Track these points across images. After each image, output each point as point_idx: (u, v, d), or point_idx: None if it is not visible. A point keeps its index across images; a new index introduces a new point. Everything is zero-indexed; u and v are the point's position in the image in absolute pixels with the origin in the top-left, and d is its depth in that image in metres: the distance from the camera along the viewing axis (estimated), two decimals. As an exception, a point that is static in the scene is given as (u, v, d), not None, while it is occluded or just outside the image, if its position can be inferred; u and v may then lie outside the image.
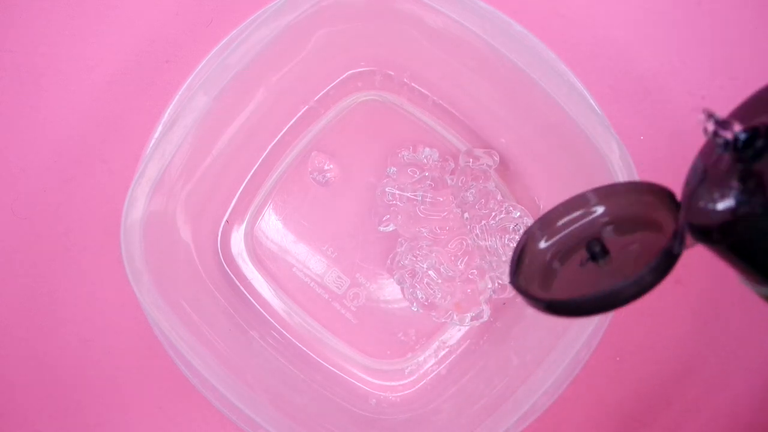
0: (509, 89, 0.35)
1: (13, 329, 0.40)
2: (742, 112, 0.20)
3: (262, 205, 0.40)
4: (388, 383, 0.40)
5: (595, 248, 0.23)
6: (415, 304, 0.37)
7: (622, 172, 0.32)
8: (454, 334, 0.40)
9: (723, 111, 0.40)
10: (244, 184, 0.40)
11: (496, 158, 0.38)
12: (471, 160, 0.38)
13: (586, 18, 0.39)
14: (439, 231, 0.37)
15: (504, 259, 0.37)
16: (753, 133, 0.18)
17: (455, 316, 0.37)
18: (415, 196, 0.37)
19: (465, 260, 0.36)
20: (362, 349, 0.40)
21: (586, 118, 0.32)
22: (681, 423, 0.40)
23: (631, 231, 0.24)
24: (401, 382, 0.40)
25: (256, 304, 0.40)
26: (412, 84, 0.39)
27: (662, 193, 0.23)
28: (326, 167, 0.40)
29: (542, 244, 0.25)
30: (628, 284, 0.21)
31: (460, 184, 0.37)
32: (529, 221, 0.37)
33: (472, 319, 0.37)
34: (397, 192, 0.38)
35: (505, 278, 0.37)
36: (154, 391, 0.40)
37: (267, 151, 0.40)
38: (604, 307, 0.21)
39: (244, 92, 0.35)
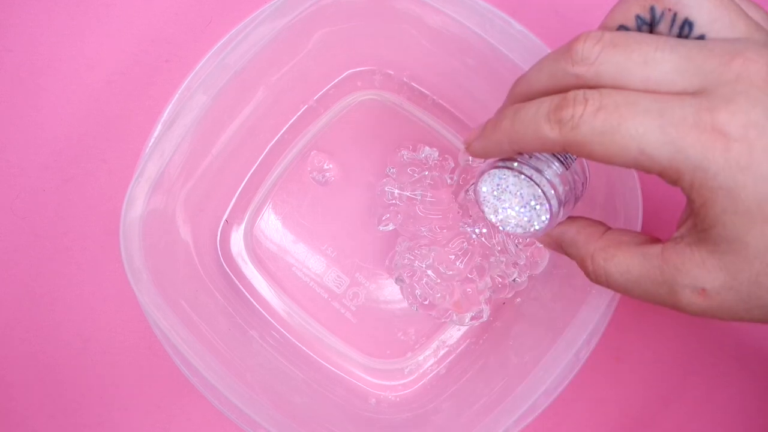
0: (509, 88, 0.35)
1: (12, 329, 0.40)
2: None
3: (261, 205, 0.40)
4: (387, 383, 0.40)
5: None
6: (414, 303, 0.37)
7: (622, 171, 0.32)
8: (454, 333, 0.40)
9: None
10: (243, 184, 0.40)
11: (496, 157, 0.38)
12: (470, 158, 0.38)
13: (585, 17, 0.39)
14: (438, 230, 0.37)
15: (513, 251, 0.37)
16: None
17: (455, 316, 0.37)
18: (414, 195, 0.37)
19: (464, 260, 0.36)
20: (362, 349, 0.40)
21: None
22: (681, 423, 0.40)
23: None
24: (401, 382, 0.40)
25: (255, 303, 0.40)
26: (412, 83, 0.39)
27: None
28: (326, 167, 0.40)
29: None
30: None
31: (460, 182, 0.37)
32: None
33: (471, 319, 0.37)
34: (397, 191, 0.38)
35: (508, 276, 0.37)
36: (153, 390, 0.40)
37: (266, 150, 0.40)
38: None
39: (244, 92, 0.35)
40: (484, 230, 0.37)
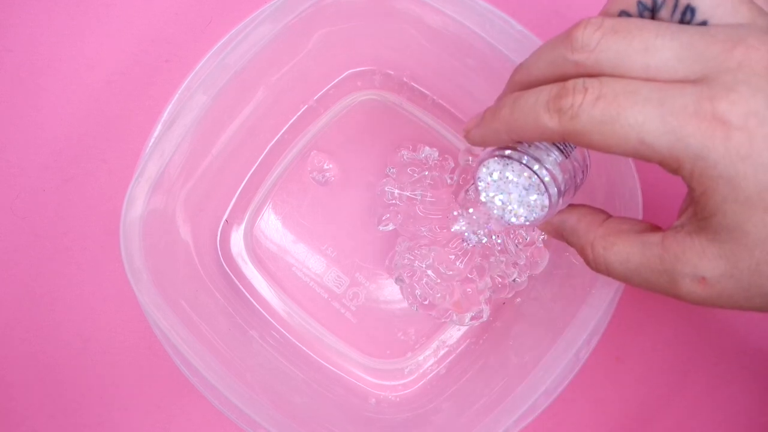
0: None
1: (12, 329, 0.40)
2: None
3: (261, 205, 0.40)
4: (387, 383, 0.40)
5: None
6: (414, 303, 0.37)
7: (621, 170, 0.32)
8: (454, 333, 0.40)
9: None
10: (243, 184, 0.40)
11: (496, 157, 0.38)
12: (470, 158, 0.38)
13: (585, 17, 0.39)
14: (438, 230, 0.37)
15: (513, 251, 0.37)
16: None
17: (455, 316, 0.37)
18: (414, 195, 0.37)
19: (464, 260, 0.36)
20: (362, 349, 0.40)
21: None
22: (681, 423, 0.40)
23: None
24: (401, 382, 0.40)
25: (255, 303, 0.40)
26: (412, 83, 0.39)
27: None
28: (326, 167, 0.40)
29: None
30: None
31: (460, 182, 0.37)
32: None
33: (471, 319, 0.37)
34: (397, 191, 0.38)
35: (508, 276, 0.37)
36: (153, 390, 0.40)
37: (266, 150, 0.40)
38: None
39: (244, 92, 0.35)
40: (484, 239, 0.37)
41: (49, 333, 0.40)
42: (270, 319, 0.40)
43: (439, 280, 0.36)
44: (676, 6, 0.24)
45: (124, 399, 0.40)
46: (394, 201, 0.38)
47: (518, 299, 0.39)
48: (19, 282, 0.40)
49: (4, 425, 0.40)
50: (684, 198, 0.24)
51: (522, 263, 0.37)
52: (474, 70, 0.36)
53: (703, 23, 0.23)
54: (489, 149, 0.28)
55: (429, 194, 0.37)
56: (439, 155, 0.38)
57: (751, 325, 0.40)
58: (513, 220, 0.29)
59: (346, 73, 0.39)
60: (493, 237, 0.37)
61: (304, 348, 0.40)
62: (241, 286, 0.40)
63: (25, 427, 0.40)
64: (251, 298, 0.40)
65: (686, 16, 0.24)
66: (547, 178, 0.27)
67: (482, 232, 0.36)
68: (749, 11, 0.23)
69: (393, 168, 0.38)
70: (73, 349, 0.40)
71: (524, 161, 0.27)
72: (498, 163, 0.28)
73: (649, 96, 0.22)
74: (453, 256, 0.37)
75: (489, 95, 0.36)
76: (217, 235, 0.39)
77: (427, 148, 0.38)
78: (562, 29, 0.39)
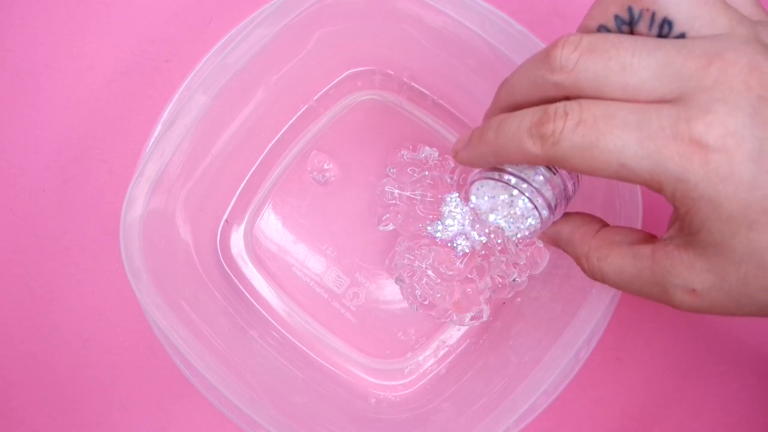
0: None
1: (12, 329, 0.40)
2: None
3: (261, 205, 0.40)
4: (387, 383, 0.40)
5: None
6: (414, 303, 0.37)
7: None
8: (454, 333, 0.40)
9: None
10: (243, 184, 0.40)
11: (496, 157, 0.38)
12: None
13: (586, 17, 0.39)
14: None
15: (513, 251, 0.37)
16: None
17: (455, 316, 0.37)
18: (414, 195, 0.37)
19: (464, 260, 0.36)
20: (362, 349, 0.40)
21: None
22: (681, 423, 0.40)
23: None
24: (401, 382, 0.40)
25: (255, 303, 0.40)
26: (412, 83, 0.39)
27: None
28: (326, 167, 0.40)
29: None
30: None
31: (459, 182, 0.37)
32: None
33: (471, 319, 0.37)
34: (397, 191, 0.38)
35: (509, 276, 0.37)
36: (153, 390, 0.40)
37: (266, 150, 0.40)
38: None
39: (244, 91, 0.35)
40: (483, 239, 0.37)
41: (48, 333, 0.40)
42: (270, 319, 0.40)
43: (439, 280, 0.36)
44: (653, 19, 0.23)
45: (124, 399, 0.40)
46: (394, 201, 0.38)
47: (518, 299, 0.39)
48: (19, 282, 0.40)
49: (3, 425, 0.40)
50: (672, 210, 0.25)
51: (522, 263, 0.37)
52: (474, 70, 0.36)
53: (681, 36, 0.23)
54: (478, 170, 0.29)
55: (429, 194, 0.37)
56: (439, 155, 0.38)
57: (750, 325, 0.40)
58: (508, 235, 0.29)
59: (346, 73, 0.39)
60: (492, 237, 0.37)
61: (304, 348, 0.40)
62: (241, 286, 0.40)
63: (24, 427, 0.40)
64: (251, 298, 0.40)
65: (664, 29, 0.23)
66: (535, 197, 0.27)
67: (476, 235, 0.37)
68: (727, 21, 0.23)
69: (393, 168, 0.38)
70: (73, 349, 0.40)
71: (513, 183, 0.27)
72: (487, 185, 0.28)
73: (627, 119, 0.22)
74: (453, 256, 0.37)
75: (489, 95, 0.36)
76: (217, 235, 0.40)
77: (427, 148, 0.38)
78: (562, 29, 0.39)
